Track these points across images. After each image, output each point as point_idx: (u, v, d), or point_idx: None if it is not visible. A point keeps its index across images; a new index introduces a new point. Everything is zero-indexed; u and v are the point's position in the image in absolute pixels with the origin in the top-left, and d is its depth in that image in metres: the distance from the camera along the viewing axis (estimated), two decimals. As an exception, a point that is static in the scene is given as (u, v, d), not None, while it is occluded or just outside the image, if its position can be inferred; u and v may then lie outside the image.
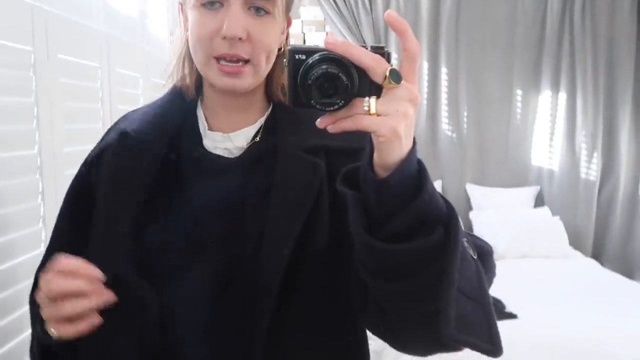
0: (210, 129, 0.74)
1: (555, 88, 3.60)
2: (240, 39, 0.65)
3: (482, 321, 0.55)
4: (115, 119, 0.82)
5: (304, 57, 0.51)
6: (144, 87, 1.43)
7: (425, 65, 3.61)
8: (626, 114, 3.48)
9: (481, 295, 0.57)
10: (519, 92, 3.68)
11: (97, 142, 0.78)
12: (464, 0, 3.54)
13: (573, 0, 3.48)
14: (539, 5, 3.53)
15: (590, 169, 3.55)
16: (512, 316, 2.29)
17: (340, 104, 0.50)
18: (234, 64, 0.67)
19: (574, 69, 3.54)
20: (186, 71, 0.74)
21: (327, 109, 0.51)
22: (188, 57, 0.72)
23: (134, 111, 0.81)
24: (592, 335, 2.15)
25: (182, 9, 0.72)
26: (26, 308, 0.76)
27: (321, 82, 0.50)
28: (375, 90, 0.51)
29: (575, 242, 3.45)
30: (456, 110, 3.69)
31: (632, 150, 3.51)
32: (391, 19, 0.51)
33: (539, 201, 3.69)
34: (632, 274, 3.29)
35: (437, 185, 3.73)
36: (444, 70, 3.63)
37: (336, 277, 0.67)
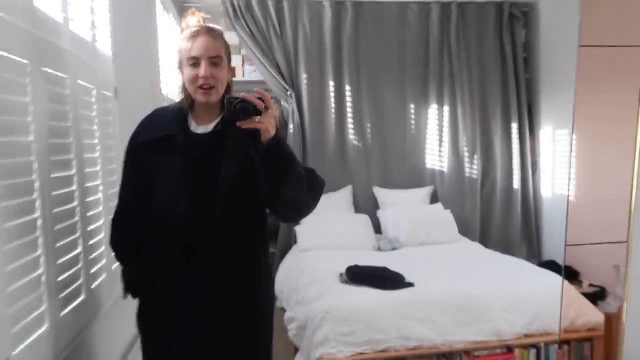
0: (196, 123, 1.47)
1: (441, 102, 4.24)
2: (207, 77, 1.39)
3: (305, 194, 1.39)
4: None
5: (233, 100, 1.30)
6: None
7: (331, 84, 4.10)
8: (497, 122, 4.19)
9: (306, 181, 1.39)
10: (412, 106, 4.27)
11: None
12: (361, 28, 4.08)
13: (449, 29, 4.16)
14: (422, 33, 4.17)
15: (473, 169, 4.21)
16: (410, 285, 2.76)
17: (247, 118, 1.29)
18: (207, 89, 1.41)
19: (454, 87, 4.20)
20: (184, 94, 1.48)
21: (241, 119, 1.29)
22: (184, 89, 1.46)
23: (161, 108, 1.59)
24: (472, 292, 2.67)
25: (181, 69, 1.44)
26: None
27: (240, 108, 1.29)
28: (260, 113, 1.30)
29: (464, 230, 4.05)
30: (360, 123, 4.20)
31: (503, 151, 4.21)
32: (260, 92, 1.31)
33: (434, 198, 4.27)
34: (511, 251, 3.93)
35: (348, 189, 4.20)
36: (348, 88, 4.14)
37: (254, 185, 1.38)
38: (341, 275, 2.90)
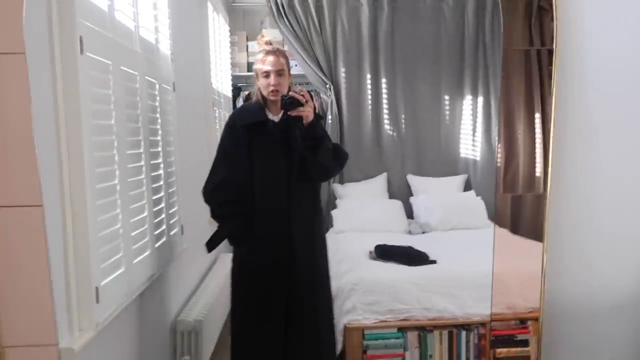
0: (271, 113, 2.09)
1: (475, 93, 4.41)
2: (275, 85, 2.00)
3: (332, 161, 2.03)
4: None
5: (284, 96, 1.92)
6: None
7: (368, 77, 4.35)
8: (521, 113, 4.30)
9: (333, 152, 2.04)
10: (447, 97, 4.46)
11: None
12: (397, 22, 4.31)
13: (484, 22, 4.31)
14: (457, 27, 4.34)
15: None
16: (432, 262, 3.00)
17: (294, 108, 1.91)
18: (275, 92, 2.01)
19: (488, 78, 4.36)
20: (259, 95, 2.08)
21: (290, 109, 1.89)
22: (259, 91, 2.07)
23: (244, 105, 2.53)
24: (489, 271, 2.88)
25: (257, 77, 2.07)
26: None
27: (288, 102, 1.90)
28: (302, 105, 1.90)
29: (492, 216, 4.21)
30: (395, 113, 4.43)
31: (527, 142, 4.32)
32: (302, 91, 1.97)
33: (467, 186, 4.45)
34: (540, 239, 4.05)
35: (383, 177, 4.45)
36: (384, 81, 4.38)
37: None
38: (370, 252, 3.18)
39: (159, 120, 2.10)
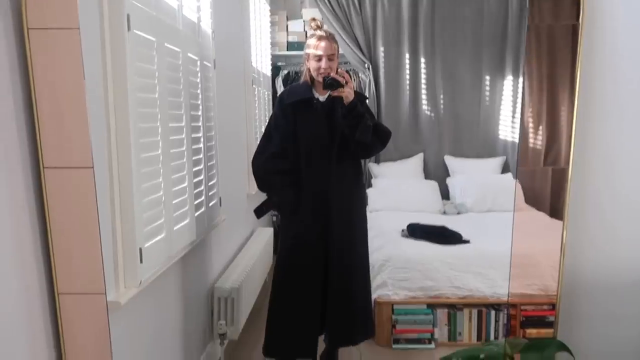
0: (318, 93, 2.21)
1: (516, 74, 4.32)
2: (326, 68, 2.10)
3: (372, 138, 2.11)
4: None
5: (326, 78, 2.04)
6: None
7: (406, 56, 4.33)
8: (565, 95, 4.18)
9: (373, 129, 2.12)
10: (487, 77, 4.39)
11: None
12: (438, 3, 4.26)
13: (526, 2, 4.19)
14: (500, 8, 4.25)
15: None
16: (465, 242, 3.02)
17: (335, 89, 2.03)
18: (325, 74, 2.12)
19: (531, 58, 4.25)
20: (307, 76, 2.21)
21: (332, 89, 2.02)
22: (308, 72, 2.18)
23: (294, 85, 2.41)
24: (524, 252, 2.88)
25: (307, 60, 2.17)
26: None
27: (329, 83, 2.03)
28: (342, 85, 2.02)
29: (532, 200, 4.14)
30: (434, 94, 4.41)
31: (570, 124, 4.21)
32: (342, 72, 2.10)
33: (505, 168, 4.40)
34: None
35: (419, 157, 4.46)
36: (422, 61, 4.35)
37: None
38: (403, 230, 3.22)
39: (200, 96, 2.20)
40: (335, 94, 2.02)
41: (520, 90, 4.31)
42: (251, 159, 2.33)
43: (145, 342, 1.72)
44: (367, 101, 2.28)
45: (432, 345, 2.79)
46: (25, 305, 1.12)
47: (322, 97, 2.18)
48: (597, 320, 1.48)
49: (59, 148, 1.12)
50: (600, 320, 1.48)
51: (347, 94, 2.02)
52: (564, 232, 1.42)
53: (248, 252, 3.04)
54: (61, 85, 1.11)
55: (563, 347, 1.24)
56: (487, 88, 4.41)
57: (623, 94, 1.41)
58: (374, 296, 2.85)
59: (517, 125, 4.34)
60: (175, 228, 1.87)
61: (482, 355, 1.22)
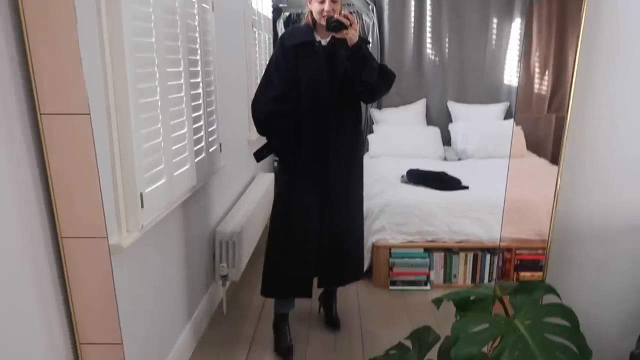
0: (320, 36, 2.13)
1: (525, 16, 4.18)
2: (329, 10, 2.00)
3: (377, 80, 2.04)
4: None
5: (331, 19, 1.95)
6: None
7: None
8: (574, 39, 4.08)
9: (378, 71, 2.05)
10: (495, 20, 4.26)
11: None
12: (446, -61, 4.07)
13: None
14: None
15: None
16: (464, 187, 3.04)
17: (339, 31, 1.95)
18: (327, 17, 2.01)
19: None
20: (309, 18, 2.11)
21: (337, 31, 1.94)
22: (310, 14, 2.09)
23: (295, 27, 2.25)
24: (522, 197, 2.91)
25: (310, 2, 2.07)
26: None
27: (333, 25, 1.93)
28: (347, 27, 1.93)
29: (534, 146, 4.14)
30: (439, 37, 4.29)
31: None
32: (346, 14, 1.98)
33: (509, 114, 4.36)
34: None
35: (422, 102, 4.41)
36: (428, 2, 4.21)
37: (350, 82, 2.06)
38: (402, 176, 3.24)
39: (198, 40, 2.16)
40: (339, 36, 1.97)
41: (527, 33, 4.19)
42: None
43: (150, 284, 1.79)
44: (369, 46, 2.19)
45: (428, 287, 2.89)
46: (30, 249, 1.16)
47: (324, 41, 2.12)
48: (586, 268, 1.52)
49: (55, 95, 1.12)
50: (590, 269, 1.52)
51: (352, 36, 1.97)
52: (559, 179, 1.43)
53: (249, 197, 3.09)
54: (54, 30, 1.09)
55: (551, 290, 1.28)
56: (494, 31, 4.29)
57: (629, 46, 1.37)
58: (372, 240, 2.92)
59: (522, 69, 4.26)
60: (175, 174, 1.89)
61: (472, 297, 1.27)
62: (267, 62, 2.28)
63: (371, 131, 4.28)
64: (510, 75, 4.34)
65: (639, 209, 1.47)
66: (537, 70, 4.34)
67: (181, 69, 1.94)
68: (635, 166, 1.44)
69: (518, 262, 2.92)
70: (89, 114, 1.11)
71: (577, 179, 1.47)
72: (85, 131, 1.12)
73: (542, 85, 4.28)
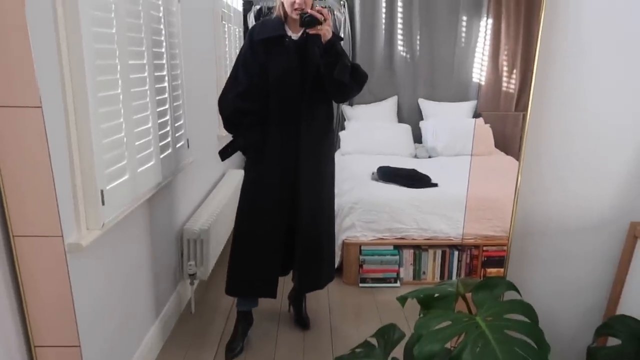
0: (291, 31, 2.07)
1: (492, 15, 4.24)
2: (300, 3, 1.95)
3: (350, 79, 2.00)
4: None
5: (303, 14, 1.89)
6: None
7: (383, -5, 4.19)
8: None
9: (351, 70, 2.01)
10: (464, 17, 4.30)
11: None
12: (417, -64, 4.08)
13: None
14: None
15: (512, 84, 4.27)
16: (434, 185, 3.07)
17: (312, 26, 1.89)
18: (298, 11, 1.96)
19: (509, -1, 4.17)
20: (281, 11, 2.05)
21: (310, 27, 1.89)
22: (282, 7, 2.03)
23: (265, 19, 2.19)
24: (489, 195, 2.95)
25: None
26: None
27: (307, 21, 1.87)
28: (321, 23, 1.88)
29: (501, 145, 4.21)
30: (410, 34, 4.31)
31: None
32: (320, 9, 1.92)
33: (477, 113, 4.41)
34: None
35: (393, 100, 4.43)
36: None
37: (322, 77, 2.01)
38: (373, 173, 3.25)
39: (163, 32, 2.10)
40: (312, 31, 1.90)
41: (494, 31, 4.25)
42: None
43: (114, 283, 1.74)
44: (341, 42, 2.14)
45: (398, 284, 2.90)
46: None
47: (295, 35, 2.06)
48: (546, 264, 1.55)
49: (5, 86, 1.06)
50: (550, 262, 1.55)
51: (326, 32, 1.91)
52: (519, 176, 1.44)
53: (219, 194, 3.04)
54: (3, 20, 1.03)
55: (511, 286, 1.29)
56: (464, 30, 4.34)
57: (582, 46, 1.39)
58: (342, 237, 2.91)
59: (491, 68, 4.32)
60: (139, 170, 1.84)
61: (436, 295, 1.27)
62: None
63: (343, 128, 4.27)
64: (480, 74, 4.39)
65: (593, 208, 1.50)
66: (505, 69, 4.40)
67: (145, 61, 1.88)
68: (588, 166, 1.47)
69: (485, 259, 2.97)
70: (41, 106, 1.06)
71: (535, 177, 1.49)
72: (37, 125, 1.06)
73: (509, 84, 4.34)
